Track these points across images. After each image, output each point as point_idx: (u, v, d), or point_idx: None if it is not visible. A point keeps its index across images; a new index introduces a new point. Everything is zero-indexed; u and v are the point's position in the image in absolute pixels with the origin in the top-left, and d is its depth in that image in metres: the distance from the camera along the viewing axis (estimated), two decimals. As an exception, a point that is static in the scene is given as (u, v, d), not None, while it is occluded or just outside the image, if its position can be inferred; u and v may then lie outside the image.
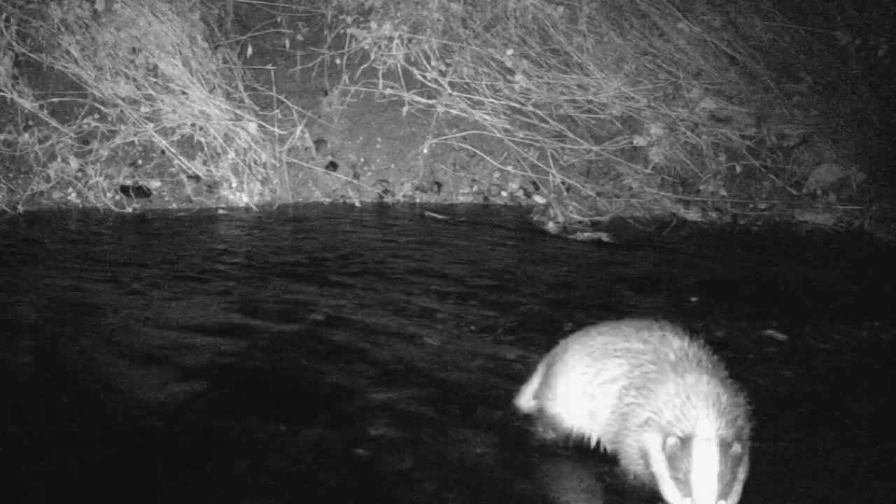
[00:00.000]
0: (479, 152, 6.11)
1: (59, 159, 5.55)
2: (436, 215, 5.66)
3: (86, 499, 2.74)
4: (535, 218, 5.66)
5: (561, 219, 5.61)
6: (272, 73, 6.10)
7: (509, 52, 6.37)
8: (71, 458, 2.89)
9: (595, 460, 2.98)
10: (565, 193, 5.86)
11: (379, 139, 6.15)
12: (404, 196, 5.95)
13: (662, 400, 2.49)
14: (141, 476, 2.83)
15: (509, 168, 6.07)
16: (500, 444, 3.03)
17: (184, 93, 5.87)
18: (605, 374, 2.72)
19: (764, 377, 3.58)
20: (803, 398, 3.44)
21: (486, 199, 6.02)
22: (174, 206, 5.63)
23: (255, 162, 5.83)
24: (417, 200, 5.93)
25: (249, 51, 6.25)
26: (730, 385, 2.60)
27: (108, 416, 3.12)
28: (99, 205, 5.48)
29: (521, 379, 3.51)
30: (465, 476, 2.87)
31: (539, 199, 5.94)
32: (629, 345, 2.72)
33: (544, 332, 3.92)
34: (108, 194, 5.55)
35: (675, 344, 2.67)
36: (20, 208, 5.35)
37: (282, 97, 6.06)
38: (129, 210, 5.48)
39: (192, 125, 5.83)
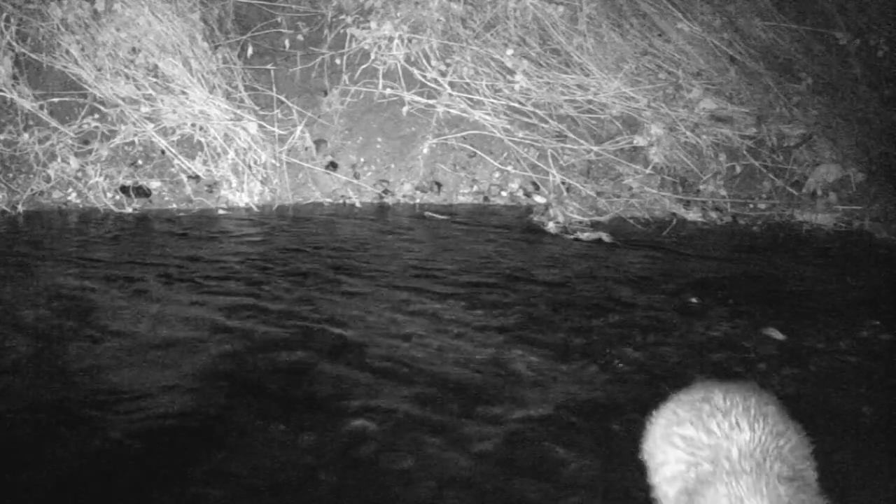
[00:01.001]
0: (479, 152, 6.11)
1: (59, 159, 5.56)
2: (436, 215, 5.66)
3: (85, 498, 2.74)
4: (535, 218, 5.66)
5: (561, 219, 5.60)
6: (272, 73, 6.10)
7: (509, 51, 6.37)
8: (70, 457, 2.89)
9: (595, 460, 2.99)
10: (565, 193, 5.85)
11: (379, 139, 6.15)
12: (404, 196, 5.95)
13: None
14: (140, 476, 2.83)
15: (509, 168, 6.07)
16: (500, 445, 3.03)
17: (184, 93, 5.87)
18: (667, 469, 2.49)
19: (764, 377, 3.58)
20: (803, 398, 3.43)
21: (486, 199, 6.01)
22: (174, 206, 5.63)
23: (255, 162, 5.83)
24: (417, 200, 5.93)
25: (249, 51, 6.25)
26: (801, 477, 2.37)
27: (107, 416, 3.12)
28: (99, 205, 5.48)
29: (520, 379, 3.51)
30: (465, 476, 2.87)
31: (539, 199, 5.93)
32: (694, 433, 2.43)
33: (544, 332, 3.92)
34: (108, 194, 5.55)
35: (744, 437, 2.37)
36: (20, 208, 5.35)
37: (282, 97, 6.07)
38: (129, 210, 5.48)
39: (192, 125, 5.83)
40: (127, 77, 5.85)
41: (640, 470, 2.87)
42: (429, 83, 6.24)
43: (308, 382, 3.42)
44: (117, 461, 2.89)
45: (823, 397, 3.46)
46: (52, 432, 3.02)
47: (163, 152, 5.80)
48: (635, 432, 3.16)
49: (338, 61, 6.28)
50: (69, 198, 5.53)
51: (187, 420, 3.12)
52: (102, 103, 5.77)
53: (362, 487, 2.79)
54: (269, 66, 6.13)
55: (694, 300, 4.37)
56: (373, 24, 6.28)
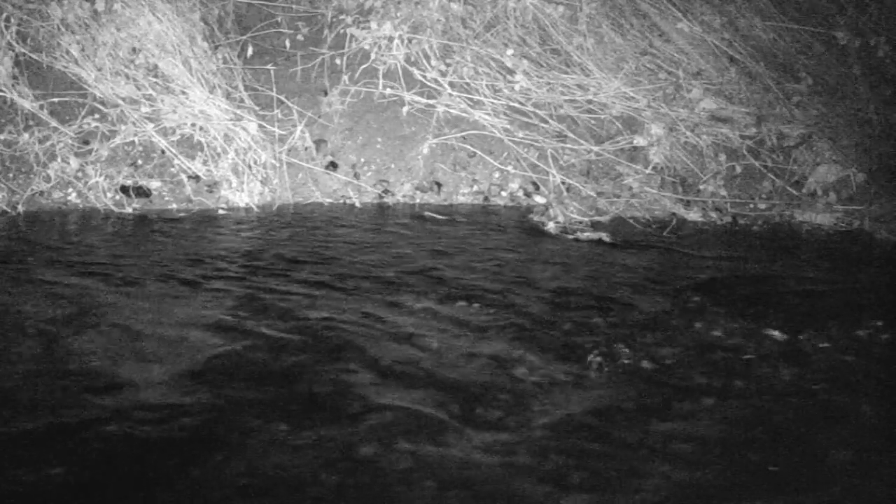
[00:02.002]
0: (479, 152, 6.11)
1: (59, 159, 5.56)
2: (436, 215, 5.66)
3: (84, 497, 2.74)
4: (536, 218, 5.66)
5: (561, 219, 5.61)
6: (272, 73, 6.10)
7: (509, 51, 6.38)
8: (69, 456, 2.89)
9: (596, 460, 2.99)
10: (565, 193, 5.86)
11: (379, 139, 6.16)
12: (404, 196, 5.95)
13: None
14: (140, 476, 2.84)
15: (509, 168, 6.08)
16: (500, 444, 3.04)
17: (184, 93, 5.87)
18: None
19: (764, 377, 3.58)
20: (803, 398, 3.44)
21: (486, 199, 6.01)
22: (174, 206, 5.63)
23: (255, 162, 5.83)
24: (417, 200, 5.93)
25: (249, 51, 6.25)
26: None
27: (107, 415, 3.13)
28: (99, 205, 5.48)
29: (521, 379, 3.51)
30: (465, 476, 2.88)
31: (539, 199, 5.93)
32: None
33: (545, 332, 3.93)
34: (109, 194, 5.55)
35: None
36: (20, 208, 5.35)
37: (282, 97, 6.07)
38: (129, 210, 5.48)
39: (192, 125, 5.83)
40: (127, 77, 5.85)
41: (641, 471, 2.88)
42: (429, 83, 6.24)
43: (308, 382, 3.42)
44: (117, 460, 2.90)
45: (823, 397, 3.46)
46: (50, 431, 3.02)
47: (163, 152, 5.81)
48: (636, 433, 3.17)
49: (338, 61, 6.29)
50: (69, 198, 5.53)
51: (187, 419, 3.12)
52: (102, 103, 5.78)
53: (362, 487, 2.80)
54: (269, 66, 6.13)
55: (694, 300, 4.37)
56: (373, 25, 6.29)
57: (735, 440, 3.15)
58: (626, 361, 3.69)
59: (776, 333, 3.98)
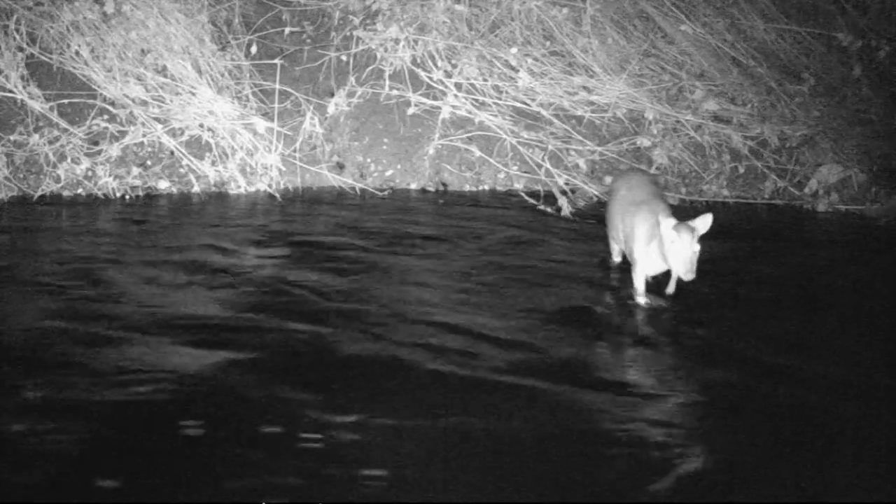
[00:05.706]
0: (484, 153, 6.16)
1: (69, 160, 5.62)
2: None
3: (125, 461, 2.84)
4: (540, 218, 5.69)
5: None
6: (279, 74, 6.15)
7: (514, 52, 6.44)
8: (111, 427, 3.02)
9: (596, 459, 3.05)
10: (570, 194, 5.90)
11: (385, 140, 6.21)
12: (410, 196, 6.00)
13: None
14: (177, 441, 2.97)
15: (514, 168, 6.13)
16: (500, 442, 3.10)
17: (192, 94, 5.93)
18: None
19: (763, 376, 3.63)
20: (803, 398, 3.48)
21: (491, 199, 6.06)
22: (182, 206, 5.68)
23: (262, 162, 5.88)
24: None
25: (257, 52, 6.31)
26: None
27: (149, 384, 3.28)
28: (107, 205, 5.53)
29: (520, 380, 3.57)
30: (465, 475, 2.94)
31: (544, 200, 5.97)
32: None
33: (547, 331, 3.98)
34: (118, 194, 5.61)
35: None
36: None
37: (288, 98, 6.12)
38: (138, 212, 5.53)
39: (201, 126, 5.89)
40: (136, 78, 5.91)
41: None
42: (434, 84, 6.30)
43: (319, 365, 3.50)
44: (159, 426, 3.05)
45: (823, 398, 3.49)
46: (89, 399, 3.14)
47: (171, 153, 5.86)
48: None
49: (344, 62, 6.35)
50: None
51: (217, 390, 3.25)
52: (112, 104, 5.84)
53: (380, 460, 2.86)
54: (275, 68, 6.18)
55: (694, 299, 4.40)
56: (379, 27, 6.35)
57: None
58: (626, 362, 3.75)
59: (775, 331, 4.03)
